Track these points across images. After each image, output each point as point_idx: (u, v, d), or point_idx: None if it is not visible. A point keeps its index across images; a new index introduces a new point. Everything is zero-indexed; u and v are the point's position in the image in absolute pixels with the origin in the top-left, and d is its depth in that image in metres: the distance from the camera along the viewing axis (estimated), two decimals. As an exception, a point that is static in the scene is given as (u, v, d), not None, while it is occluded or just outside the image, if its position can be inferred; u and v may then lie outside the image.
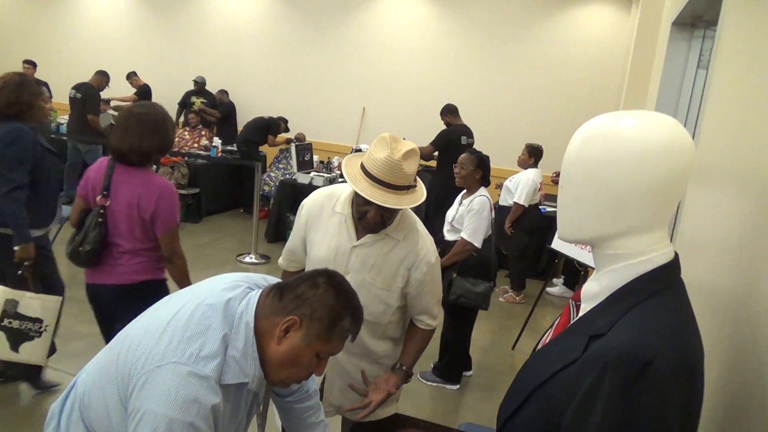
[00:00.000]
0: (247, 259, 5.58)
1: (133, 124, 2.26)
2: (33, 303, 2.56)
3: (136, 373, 1.12)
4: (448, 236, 3.47)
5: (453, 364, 3.61)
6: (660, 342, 0.80)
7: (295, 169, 6.45)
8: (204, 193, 6.83)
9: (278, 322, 1.19)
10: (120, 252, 2.30)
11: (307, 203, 1.88)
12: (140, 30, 9.17)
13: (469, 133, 5.83)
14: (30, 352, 2.57)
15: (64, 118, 7.03)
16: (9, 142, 2.53)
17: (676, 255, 0.92)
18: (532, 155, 5.17)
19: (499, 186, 5.34)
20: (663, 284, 0.88)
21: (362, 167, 1.66)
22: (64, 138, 6.72)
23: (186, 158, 6.76)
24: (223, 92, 8.25)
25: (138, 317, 1.28)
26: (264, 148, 7.45)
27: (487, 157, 3.48)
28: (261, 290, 1.27)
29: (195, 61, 8.75)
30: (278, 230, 6.26)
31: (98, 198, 2.27)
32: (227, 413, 1.19)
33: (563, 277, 5.72)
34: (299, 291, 1.22)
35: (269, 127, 7.27)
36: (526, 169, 5.17)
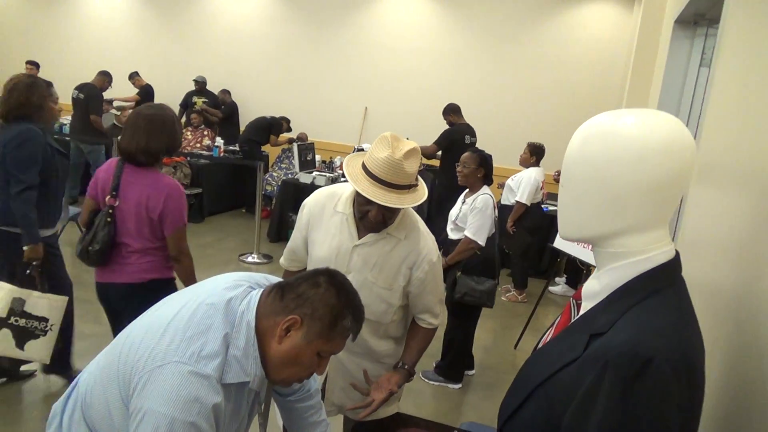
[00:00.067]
0: (250, 259, 5.58)
1: (141, 125, 2.29)
2: (40, 302, 2.59)
3: (138, 372, 1.12)
4: (452, 235, 3.48)
5: (455, 363, 3.61)
6: (660, 341, 0.80)
7: (297, 168, 6.45)
8: (206, 193, 6.84)
9: (279, 321, 1.19)
10: (129, 251, 2.33)
11: (309, 203, 1.88)
12: (142, 30, 9.19)
13: (472, 132, 5.83)
14: (35, 350, 2.61)
15: (66, 119, 7.05)
16: (20, 143, 2.55)
17: (677, 253, 0.92)
18: (534, 154, 5.17)
19: (501, 185, 5.34)
20: (664, 283, 0.88)
21: (363, 167, 1.66)
22: (67, 138, 6.74)
23: (188, 158, 6.77)
24: (226, 92, 8.25)
25: (140, 317, 1.29)
26: (266, 148, 7.45)
27: (490, 156, 3.49)
28: (262, 289, 1.28)
29: (197, 61, 8.76)
30: (280, 230, 6.27)
31: (107, 198, 2.30)
32: (228, 412, 1.19)
33: (565, 275, 5.72)
34: (300, 290, 1.22)
35: (271, 127, 7.27)
36: (528, 167, 5.17)
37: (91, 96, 6.57)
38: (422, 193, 1.71)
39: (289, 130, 7.64)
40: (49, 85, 2.79)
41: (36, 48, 9.46)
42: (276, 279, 1.36)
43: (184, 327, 1.16)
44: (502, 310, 4.92)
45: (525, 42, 7.39)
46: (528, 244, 5.11)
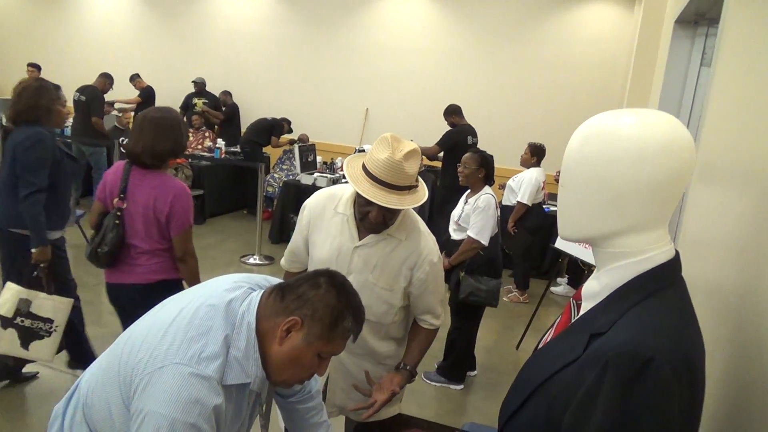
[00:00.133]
0: (251, 260, 5.59)
1: (147, 127, 2.32)
2: (46, 303, 2.63)
3: (139, 374, 1.12)
4: (455, 235, 3.49)
5: (458, 363, 3.61)
6: (660, 341, 0.80)
7: (298, 170, 6.46)
8: (208, 194, 6.85)
9: (280, 322, 1.19)
10: (138, 253, 2.37)
11: (309, 204, 1.89)
12: (143, 32, 9.20)
13: (474, 133, 5.84)
14: (39, 350, 2.64)
15: (68, 121, 7.06)
16: (29, 146, 2.59)
17: (677, 253, 0.92)
18: (535, 154, 5.17)
19: (502, 186, 5.33)
20: (664, 283, 0.88)
21: (364, 168, 1.66)
22: (68, 140, 6.75)
23: (190, 160, 6.78)
24: (227, 93, 8.26)
25: (141, 318, 1.29)
26: (267, 150, 7.46)
27: (491, 156, 3.49)
28: (263, 291, 1.28)
29: (198, 63, 8.78)
30: (282, 231, 6.27)
31: (115, 200, 2.33)
32: (229, 414, 1.19)
33: (567, 276, 5.72)
34: (300, 291, 1.22)
35: (272, 129, 7.28)
36: (528, 168, 5.17)
37: (92, 98, 6.58)
38: (422, 193, 1.71)
39: (290, 131, 7.64)
40: (58, 88, 2.82)
41: (38, 50, 9.49)
42: (276, 280, 1.36)
43: (185, 328, 1.16)
44: (503, 310, 4.91)
45: (525, 42, 7.39)
46: (529, 244, 5.11)
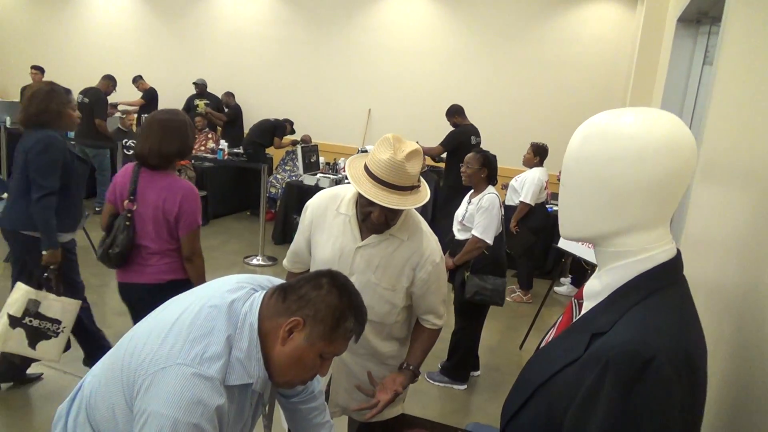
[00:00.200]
0: (254, 261, 5.60)
1: (154, 129, 2.36)
2: (54, 305, 2.67)
3: (141, 374, 1.13)
4: (459, 235, 3.50)
5: (462, 363, 3.61)
6: (661, 340, 0.79)
7: (301, 171, 6.46)
8: (211, 195, 6.86)
9: (282, 323, 1.20)
10: (149, 253, 2.41)
11: (311, 204, 1.89)
12: (146, 34, 9.23)
13: (477, 133, 5.85)
14: (46, 350, 2.69)
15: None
16: (41, 150, 2.62)
17: (678, 252, 0.92)
18: (537, 154, 5.16)
19: (505, 186, 5.33)
20: (665, 282, 0.88)
21: (366, 168, 1.66)
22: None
23: (193, 161, 6.79)
24: (230, 94, 8.28)
25: (143, 319, 1.29)
26: (270, 151, 7.47)
27: (494, 156, 3.49)
28: (265, 291, 1.28)
29: (201, 65, 8.80)
30: (285, 232, 6.28)
31: (125, 202, 2.37)
32: (232, 414, 1.20)
33: (571, 276, 5.70)
34: (302, 292, 1.22)
35: (275, 130, 7.29)
36: (531, 168, 5.16)
37: (95, 100, 6.61)
38: (424, 194, 1.71)
39: (293, 132, 7.65)
40: (68, 92, 2.86)
41: (41, 52, 9.52)
42: (279, 281, 1.36)
43: (188, 329, 1.16)
44: (507, 310, 4.91)
45: (528, 42, 7.38)
46: (530, 244, 5.10)
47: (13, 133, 7.23)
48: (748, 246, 1.13)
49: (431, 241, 1.82)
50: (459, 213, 3.54)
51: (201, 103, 8.10)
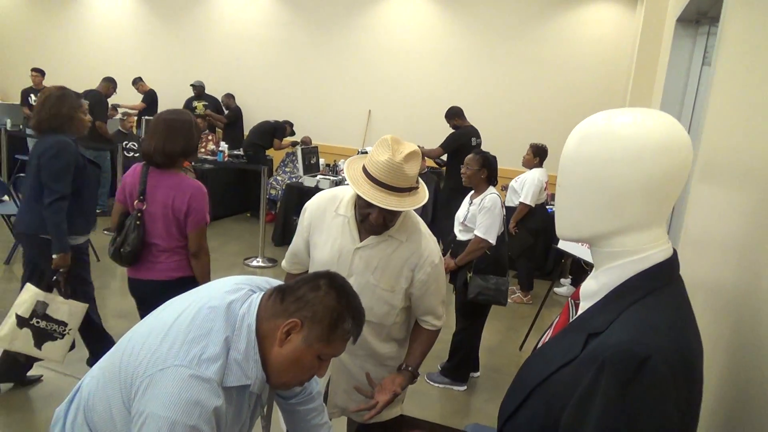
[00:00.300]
0: (254, 263, 5.60)
1: (159, 128, 2.42)
2: (61, 307, 2.73)
3: (139, 375, 1.13)
4: (461, 236, 3.50)
5: (462, 364, 3.61)
6: (657, 339, 0.79)
7: (301, 172, 6.47)
8: (211, 197, 6.77)
9: (280, 324, 1.20)
10: (159, 251, 2.47)
11: (310, 206, 1.89)
12: (146, 36, 9.24)
13: (477, 134, 5.85)
14: (51, 351, 2.74)
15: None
16: (54, 155, 2.65)
17: (675, 252, 0.92)
18: (537, 155, 5.16)
19: (504, 188, 5.33)
20: (661, 281, 0.88)
21: (364, 169, 1.66)
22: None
23: (193, 163, 6.79)
24: (230, 96, 8.28)
25: (142, 320, 1.29)
26: (270, 152, 7.48)
27: (494, 157, 3.50)
28: (263, 293, 1.28)
29: (201, 66, 8.81)
30: (285, 234, 6.28)
31: (135, 202, 2.43)
32: (230, 415, 1.20)
33: (570, 277, 5.70)
34: (300, 293, 1.22)
35: (275, 131, 7.30)
36: (531, 169, 5.17)
37: (96, 102, 6.60)
38: (423, 195, 1.71)
39: (293, 133, 7.66)
40: (79, 96, 2.91)
41: (41, 55, 9.54)
42: (277, 282, 1.36)
43: (185, 330, 1.16)
44: (507, 311, 4.91)
45: (527, 43, 7.38)
46: (529, 245, 5.10)
47: (13, 136, 7.24)
48: (746, 246, 1.13)
49: (430, 242, 1.82)
50: (460, 214, 3.54)
51: (199, 105, 8.10)
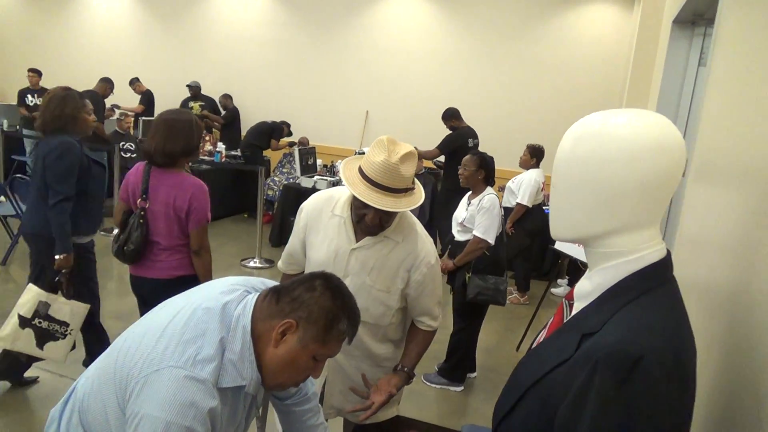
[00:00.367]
0: (252, 264, 5.59)
1: (160, 127, 2.45)
2: (63, 307, 2.74)
3: (134, 376, 1.12)
4: (459, 237, 3.50)
5: (459, 364, 3.61)
6: (650, 339, 0.79)
7: (298, 173, 6.46)
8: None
9: (275, 325, 1.20)
10: (160, 249, 2.51)
11: (306, 206, 1.89)
12: (143, 37, 9.23)
13: (474, 135, 5.85)
14: (53, 351, 2.75)
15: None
16: (58, 156, 2.66)
17: (668, 252, 0.92)
18: (534, 156, 5.17)
19: (501, 188, 5.33)
20: (655, 282, 0.88)
21: (360, 170, 1.66)
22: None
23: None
24: (227, 97, 8.28)
25: (137, 321, 1.29)
26: (267, 153, 7.47)
27: (491, 158, 3.51)
28: (258, 293, 1.28)
29: (198, 67, 8.80)
30: (282, 234, 6.27)
31: (138, 201, 2.46)
32: (225, 416, 1.19)
33: (567, 277, 5.71)
34: (296, 294, 1.22)
35: (272, 132, 7.29)
36: (528, 169, 5.17)
37: (93, 103, 6.59)
38: (419, 196, 1.71)
39: (290, 134, 7.66)
40: (83, 96, 2.90)
41: (38, 55, 9.52)
42: (273, 283, 1.36)
43: (180, 331, 1.16)
44: (504, 312, 4.91)
45: (525, 44, 7.40)
46: (525, 246, 5.11)
47: (10, 137, 7.22)
48: (741, 247, 1.14)
49: (426, 242, 1.83)
50: (458, 215, 3.55)
51: (195, 105, 8.10)
